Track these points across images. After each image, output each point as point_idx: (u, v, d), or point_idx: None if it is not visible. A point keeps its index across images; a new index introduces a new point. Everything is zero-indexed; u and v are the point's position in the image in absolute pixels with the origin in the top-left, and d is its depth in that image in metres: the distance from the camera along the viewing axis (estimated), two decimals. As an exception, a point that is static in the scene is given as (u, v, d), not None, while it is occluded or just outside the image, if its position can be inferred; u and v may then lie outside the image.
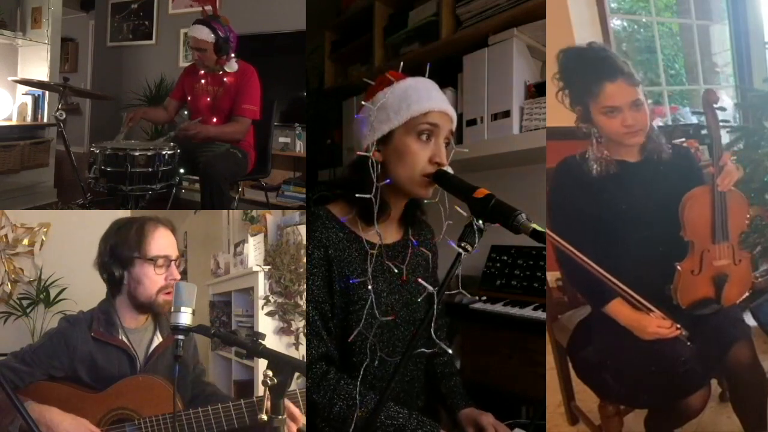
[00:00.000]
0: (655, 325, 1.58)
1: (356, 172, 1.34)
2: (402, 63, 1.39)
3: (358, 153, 1.35)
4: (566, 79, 1.67)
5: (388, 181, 1.31)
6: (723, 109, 1.95)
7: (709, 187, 1.64)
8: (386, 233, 1.40)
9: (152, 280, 1.66)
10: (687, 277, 1.65)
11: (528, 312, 2.12)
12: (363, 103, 1.37)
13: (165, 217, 1.77)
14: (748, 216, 1.74)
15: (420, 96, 1.31)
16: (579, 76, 1.64)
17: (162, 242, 1.69)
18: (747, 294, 1.75)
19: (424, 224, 1.54)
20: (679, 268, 1.64)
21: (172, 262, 1.69)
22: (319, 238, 1.34)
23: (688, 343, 1.60)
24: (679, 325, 1.59)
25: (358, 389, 1.27)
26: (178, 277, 1.68)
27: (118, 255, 1.67)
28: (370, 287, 1.32)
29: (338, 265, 1.34)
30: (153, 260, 1.66)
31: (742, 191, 1.70)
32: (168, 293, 1.65)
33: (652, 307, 1.59)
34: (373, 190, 1.30)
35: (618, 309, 1.61)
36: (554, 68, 1.68)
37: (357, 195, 1.30)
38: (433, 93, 1.34)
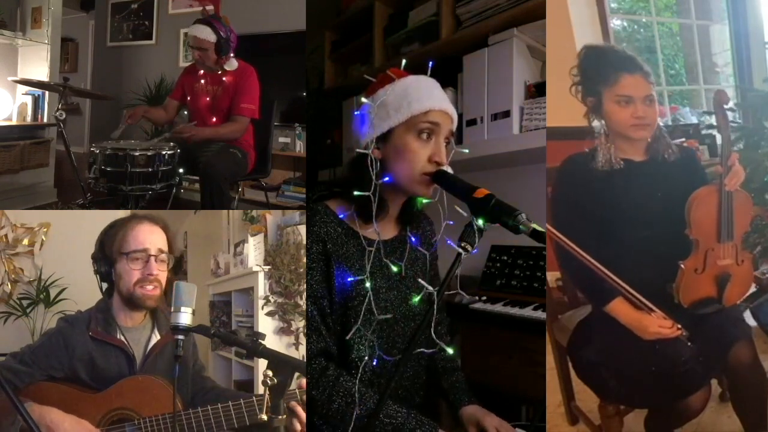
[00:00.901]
0: (657, 324, 1.58)
1: (355, 169, 1.33)
2: (405, 61, 1.37)
3: (357, 150, 1.34)
4: (584, 73, 1.69)
5: (387, 179, 1.30)
6: (732, 110, 1.95)
7: (715, 187, 1.63)
8: (384, 230, 1.39)
9: (129, 273, 1.65)
10: (690, 275, 1.65)
11: (528, 312, 2.11)
12: (362, 99, 1.36)
13: (157, 215, 1.76)
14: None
15: (421, 94, 1.30)
16: (598, 68, 1.65)
17: (141, 237, 1.68)
18: (752, 290, 1.74)
19: (422, 216, 1.52)
20: (682, 266, 1.64)
21: (152, 257, 1.67)
22: (317, 233, 1.33)
23: (689, 344, 1.60)
24: (680, 325, 1.59)
25: (357, 387, 1.27)
26: (155, 272, 1.66)
27: (105, 252, 1.69)
28: (368, 285, 1.32)
29: (336, 260, 1.33)
30: (127, 254, 1.66)
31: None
32: (148, 288, 1.65)
33: (654, 307, 1.58)
34: (372, 187, 1.29)
35: (619, 308, 1.60)
36: (572, 63, 1.69)
37: (356, 193, 1.29)
38: (434, 92, 1.33)
